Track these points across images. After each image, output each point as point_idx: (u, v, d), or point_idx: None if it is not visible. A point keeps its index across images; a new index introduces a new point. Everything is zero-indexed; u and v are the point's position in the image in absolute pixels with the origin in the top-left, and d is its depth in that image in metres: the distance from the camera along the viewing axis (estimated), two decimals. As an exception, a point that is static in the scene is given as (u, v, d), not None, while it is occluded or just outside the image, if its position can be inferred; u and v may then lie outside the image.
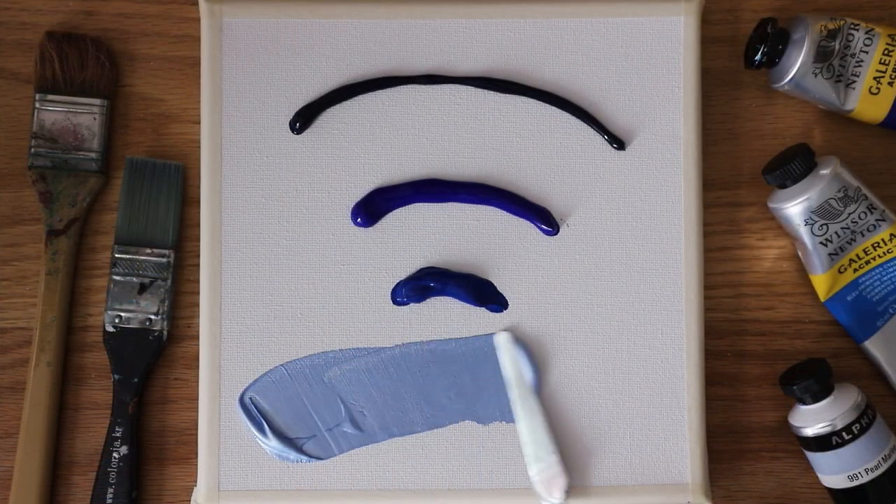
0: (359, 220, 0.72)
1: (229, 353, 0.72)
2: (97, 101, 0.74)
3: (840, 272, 0.72)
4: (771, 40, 0.72)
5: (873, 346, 0.73)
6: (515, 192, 0.73)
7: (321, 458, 0.72)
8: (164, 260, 0.73)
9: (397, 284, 0.72)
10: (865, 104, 0.72)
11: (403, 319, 0.72)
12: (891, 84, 0.71)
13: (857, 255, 0.72)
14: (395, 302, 0.72)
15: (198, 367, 0.73)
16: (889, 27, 0.73)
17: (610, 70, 0.73)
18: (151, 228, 0.74)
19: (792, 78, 0.72)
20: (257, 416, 0.72)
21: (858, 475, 0.70)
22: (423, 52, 0.73)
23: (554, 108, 0.73)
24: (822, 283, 0.73)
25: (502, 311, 0.72)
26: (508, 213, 0.72)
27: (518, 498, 0.72)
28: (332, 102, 0.72)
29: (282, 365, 0.72)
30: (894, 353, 0.73)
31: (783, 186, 0.72)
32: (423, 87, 0.73)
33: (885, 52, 0.71)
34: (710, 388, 0.74)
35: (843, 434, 0.70)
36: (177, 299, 0.75)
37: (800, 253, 0.74)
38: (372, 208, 0.72)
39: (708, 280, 0.75)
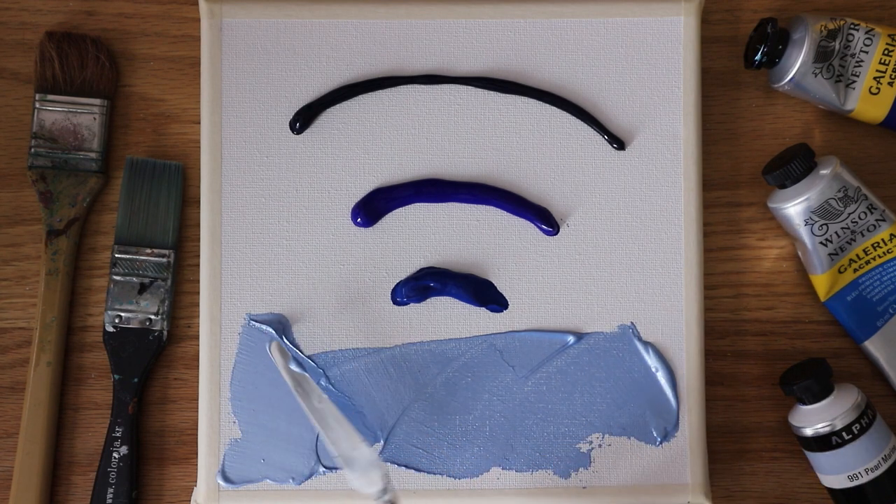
0: (359, 220, 0.72)
1: (229, 353, 0.72)
2: (97, 101, 0.74)
3: (840, 272, 0.72)
4: (771, 40, 0.72)
5: (873, 346, 0.73)
6: (515, 192, 0.73)
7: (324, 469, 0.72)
8: (164, 260, 0.73)
9: (397, 284, 0.72)
10: (865, 104, 0.72)
11: (403, 319, 0.72)
12: (891, 84, 0.71)
13: (857, 255, 0.72)
14: (395, 302, 0.72)
15: (198, 367, 0.73)
16: (889, 27, 0.73)
17: (610, 70, 0.73)
18: (151, 228, 0.74)
19: (792, 78, 0.72)
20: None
21: (858, 475, 0.70)
22: (423, 52, 0.73)
23: (554, 108, 0.73)
24: (822, 283, 0.73)
25: (502, 311, 0.72)
26: (508, 213, 0.72)
27: (518, 498, 0.72)
28: (332, 102, 0.72)
29: (282, 365, 0.72)
30: (894, 353, 0.73)
31: (783, 186, 0.72)
32: (423, 87, 0.73)
33: (885, 52, 0.71)
34: (710, 388, 0.74)
35: (843, 434, 0.70)
36: (177, 299, 0.75)
37: (800, 253, 0.74)
38: (372, 208, 0.72)
39: (708, 280, 0.75)
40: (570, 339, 0.72)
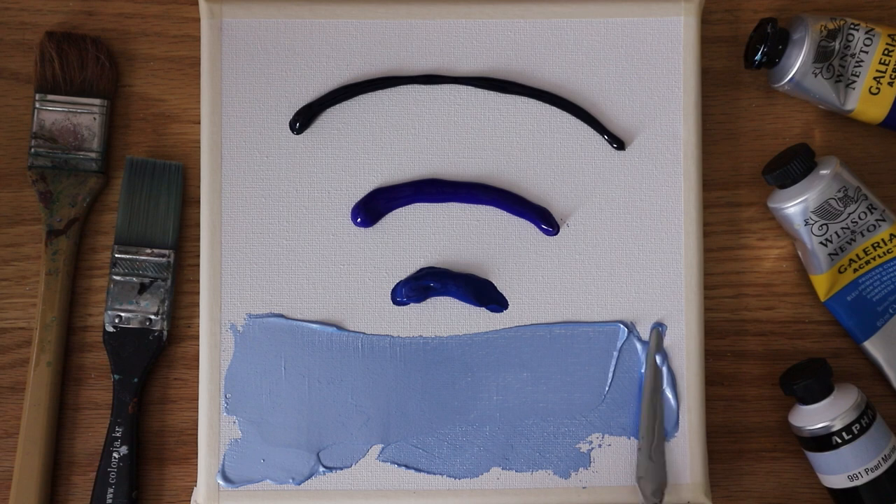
0: (359, 220, 0.72)
1: (229, 353, 0.72)
2: (97, 101, 0.74)
3: (840, 272, 0.72)
4: (771, 40, 0.72)
5: (873, 346, 0.73)
6: (515, 192, 0.73)
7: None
8: (164, 260, 0.73)
9: (397, 284, 0.72)
10: (865, 104, 0.72)
11: (403, 319, 0.72)
12: (891, 84, 0.71)
13: (857, 255, 0.72)
14: (395, 302, 0.72)
15: (198, 367, 0.73)
16: (889, 27, 0.73)
17: (610, 70, 0.73)
18: (151, 228, 0.74)
19: (792, 78, 0.72)
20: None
21: (858, 475, 0.70)
22: (423, 52, 0.73)
23: (554, 108, 0.73)
24: (822, 283, 0.73)
25: (502, 311, 0.72)
26: (508, 213, 0.72)
27: (518, 498, 0.72)
28: (332, 102, 0.72)
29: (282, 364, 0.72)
30: (894, 353, 0.73)
31: (783, 186, 0.72)
32: (423, 87, 0.73)
33: (885, 52, 0.71)
34: (710, 388, 0.74)
35: (843, 434, 0.70)
36: (177, 299, 0.75)
37: (800, 253, 0.74)
38: (372, 208, 0.72)
39: (708, 280, 0.75)
40: (571, 335, 0.72)
